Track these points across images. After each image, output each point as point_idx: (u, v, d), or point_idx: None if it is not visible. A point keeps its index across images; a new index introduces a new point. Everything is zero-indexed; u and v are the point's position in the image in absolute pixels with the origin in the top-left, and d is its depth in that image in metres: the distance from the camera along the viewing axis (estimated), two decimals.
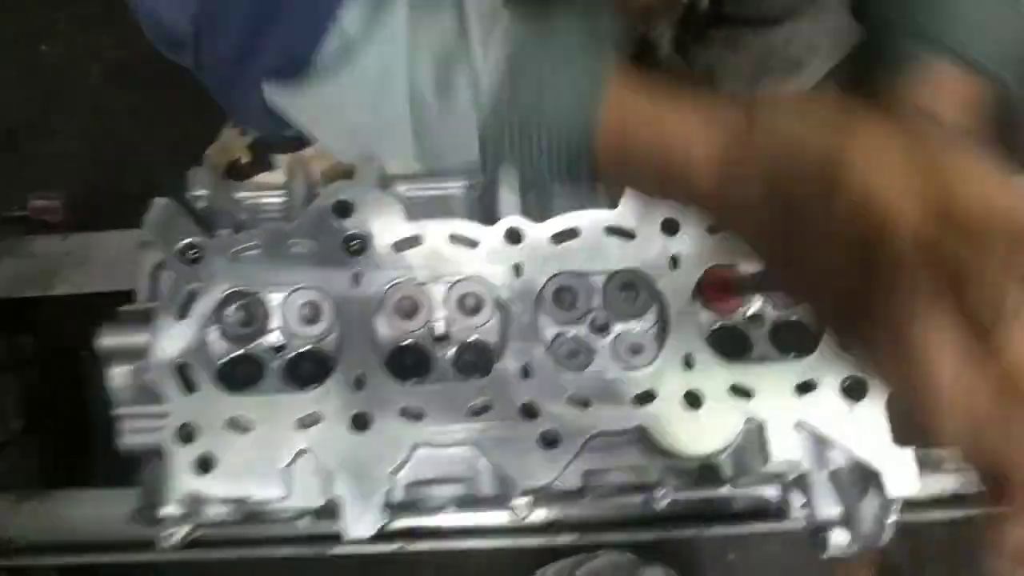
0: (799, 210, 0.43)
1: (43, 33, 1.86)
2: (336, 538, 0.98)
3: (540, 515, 1.03)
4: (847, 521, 0.89)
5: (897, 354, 0.42)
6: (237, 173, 1.01)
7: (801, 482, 0.92)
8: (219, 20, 0.52)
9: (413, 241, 0.86)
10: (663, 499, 0.97)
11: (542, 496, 0.97)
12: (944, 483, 1.09)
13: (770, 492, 1.00)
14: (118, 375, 0.84)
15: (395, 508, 0.86)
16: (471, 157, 0.56)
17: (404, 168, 0.60)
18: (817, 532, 0.93)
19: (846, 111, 0.43)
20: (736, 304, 0.88)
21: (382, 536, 0.98)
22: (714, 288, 0.87)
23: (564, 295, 0.86)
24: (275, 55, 0.53)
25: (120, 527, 0.99)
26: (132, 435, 0.85)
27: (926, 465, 1.08)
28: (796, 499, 0.98)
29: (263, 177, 1.01)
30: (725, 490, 1.01)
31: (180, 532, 0.94)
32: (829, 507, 0.90)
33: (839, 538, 0.91)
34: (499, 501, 0.94)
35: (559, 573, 1.67)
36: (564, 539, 0.99)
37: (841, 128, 0.42)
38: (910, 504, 1.06)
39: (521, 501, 0.95)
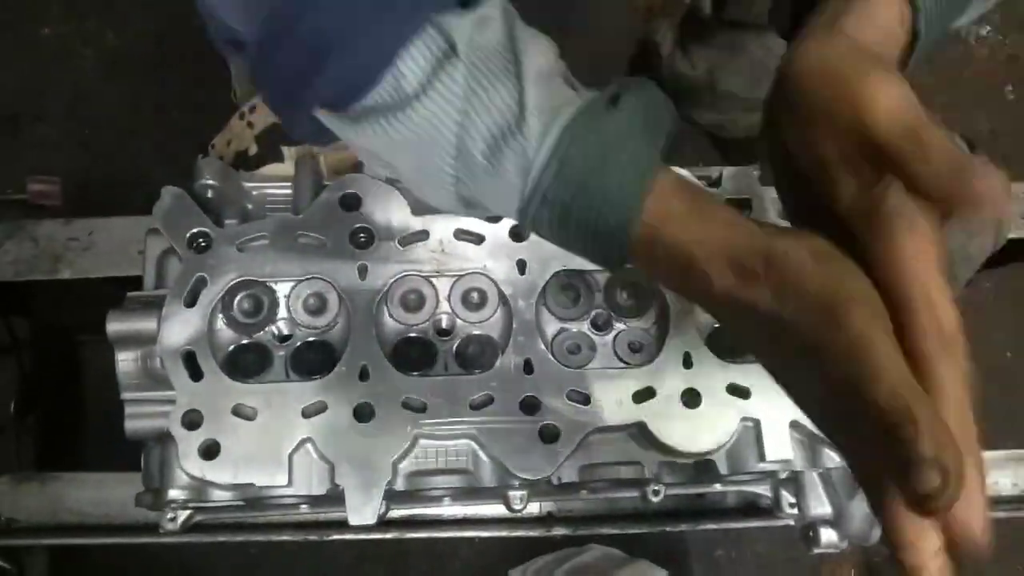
0: (793, 341, 0.46)
1: (40, 17, 1.86)
2: (333, 525, 1.00)
3: (535, 508, 1.05)
4: (837, 520, 0.92)
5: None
6: (244, 164, 1.01)
7: (793, 481, 0.94)
8: (283, 39, 0.53)
9: (419, 236, 0.88)
10: (657, 495, 0.99)
11: (537, 489, 0.99)
12: None
13: (761, 489, 1.02)
14: (125, 360, 0.85)
15: (396, 497, 0.88)
16: (510, 216, 0.57)
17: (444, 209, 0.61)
18: (807, 529, 0.95)
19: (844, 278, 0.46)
20: None
21: (380, 525, 1.00)
22: None
23: (567, 293, 0.88)
24: (330, 85, 0.53)
25: (119, 510, 1.00)
26: (137, 420, 0.86)
27: None
28: (787, 497, 1.01)
29: (271, 168, 1.01)
30: (718, 487, 1.03)
31: (181, 516, 0.95)
32: (820, 506, 0.92)
33: (829, 536, 0.93)
34: (496, 493, 0.96)
35: (547, 567, 1.69)
36: (558, 531, 1.01)
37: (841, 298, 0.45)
38: None
39: (517, 494, 0.97)
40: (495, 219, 0.88)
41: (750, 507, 1.08)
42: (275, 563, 1.69)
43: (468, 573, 1.74)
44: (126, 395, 0.86)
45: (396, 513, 1.02)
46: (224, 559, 1.71)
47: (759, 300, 0.47)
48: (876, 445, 0.41)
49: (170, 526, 0.94)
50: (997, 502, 1.10)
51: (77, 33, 1.86)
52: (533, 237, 0.87)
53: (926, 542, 0.42)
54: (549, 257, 0.87)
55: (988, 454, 1.12)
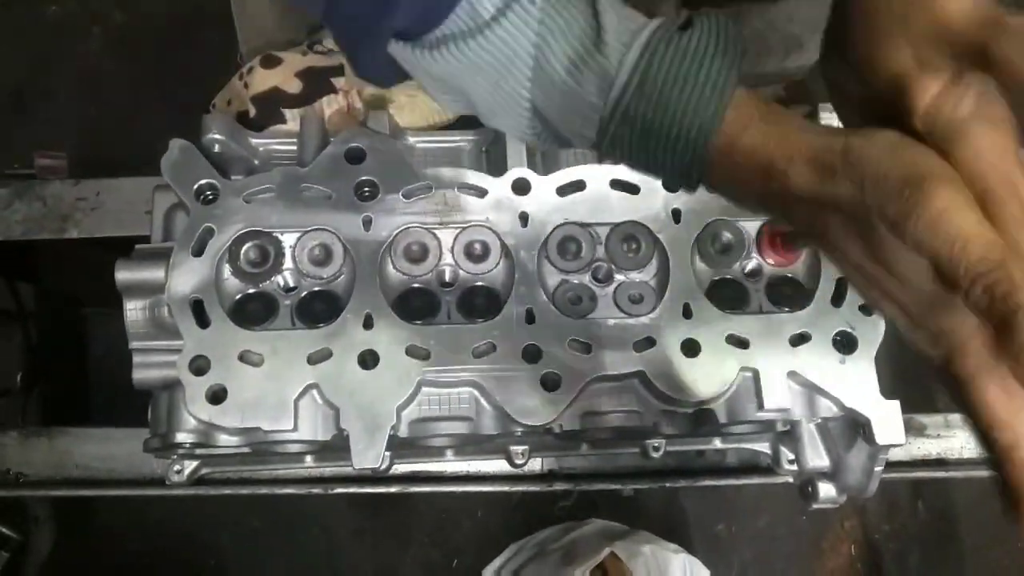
0: (877, 228, 0.48)
1: None
2: (339, 480, 1.01)
3: (537, 465, 1.06)
4: (835, 472, 0.93)
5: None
6: (245, 125, 1.02)
7: (791, 435, 0.95)
8: None
9: (423, 189, 0.89)
10: (658, 450, 1.00)
11: (539, 443, 1.00)
12: (927, 447, 1.12)
13: (760, 447, 1.03)
14: (133, 310, 0.86)
15: (400, 445, 0.89)
16: (583, 143, 0.58)
17: (517, 137, 0.62)
18: (806, 484, 0.96)
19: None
20: (795, 257, 0.91)
21: (384, 479, 1.01)
22: (772, 242, 0.90)
23: (568, 245, 0.89)
24: (405, 16, 0.55)
25: (126, 465, 1.01)
26: (145, 370, 0.87)
27: (910, 430, 1.13)
28: (786, 455, 1.02)
29: (275, 129, 1.03)
30: (718, 442, 1.04)
31: (188, 468, 0.97)
32: (817, 458, 0.93)
33: (827, 490, 0.95)
34: (499, 448, 0.98)
35: (548, 539, 1.70)
36: (559, 487, 1.02)
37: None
38: (896, 464, 1.11)
39: (519, 448, 0.98)
40: (498, 172, 0.90)
41: (750, 467, 1.09)
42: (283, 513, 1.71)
43: (470, 545, 1.76)
44: (134, 344, 0.87)
45: (400, 469, 1.03)
46: (228, 531, 1.73)
47: (840, 193, 0.48)
48: (966, 326, 0.44)
49: (176, 478, 0.96)
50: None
51: (84, 11, 1.88)
52: (535, 191, 0.88)
53: (1019, 418, 0.45)
54: (551, 210, 0.89)
55: None
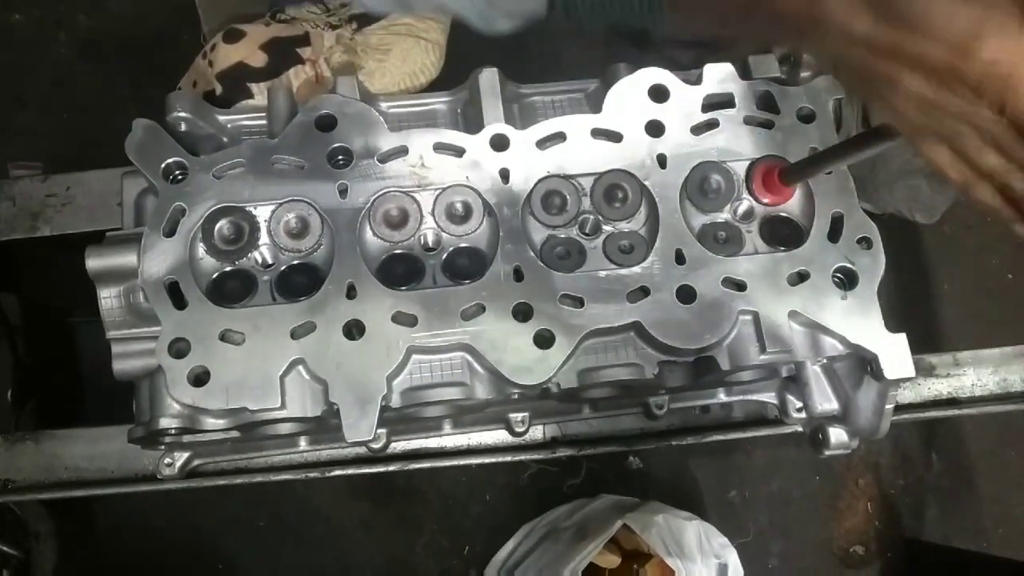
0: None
1: (9, 3, 1.84)
2: (336, 463, 0.99)
3: (538, 434, 1.03)
4: (845, 415, 0.90)
5: None
6: (214, 104, 0.99)
7: (797, 380, 0.92)
8: None
9: (398, 152, 0.86)
10: (661, 408, 0.98)
11: (538, 409, 0.97)
12: (938, 387, 1.10)
13: (767, 397, 1.00)
14: (108, 297, 0.83)
15: (396, 421, 0.86)
16: None
17: (454, 7, 0.58)
18: (816, 432, 0.93)
19: None
20: (789, 194, 0.88)
21: (383, 458, 0.98)
22: (764, 180, 0.87)
23: (552, 198, 0.86)
24: None
25: (117, 463, 0.99)
26: (125, 360, 0.85)
27: (919, 371, 1.10)
28: (793, 403, 0.99)
29: (243, 104, 1.00)
30: (722, 396, 1.02)
31: (179, 460, 0.94)
32: (826, 401, 0.90)
33: (838, 435, 0.92)
34: (498, 417, 0.95)
35: (559, 517, 1.68)
36: (562, 452, 0.99)
37: None
38: (906, 407, 1.08)
39: (518, 416, 0.96)
40: (474, 130, 0.87)
41: (757, 420, 1.06)
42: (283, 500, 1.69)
43: (481, 530, 1.73)
44: (112, 333, 0.84)
45: (399, 447, 1.00)
46: (234, 532, 1.70)
47: None
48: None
49: (167, 471, 0.94)
50: (1008, 398, 1.09)
51: (49, 18, 1.85)
52: (514, 146, 0.86)
53: None
54: (532, 164, 0.86)
55: (998, 349, 1.11)
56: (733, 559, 1.54)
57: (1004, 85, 0.45)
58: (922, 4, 0.45)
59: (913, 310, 1.80)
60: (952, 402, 1.09)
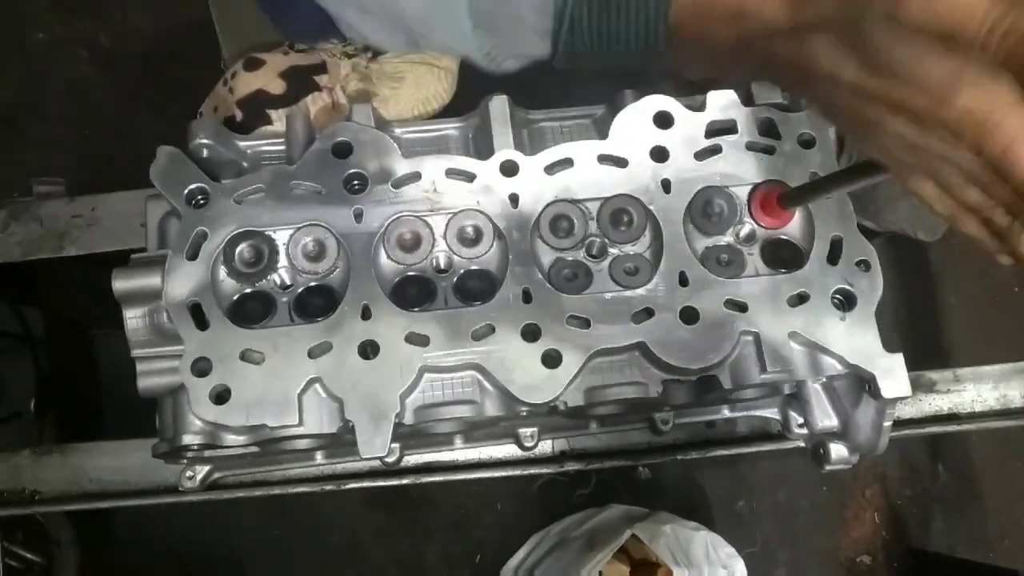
0: (871, 26, 0.48)
1: (32, 23, 1.89)
2: (351, 476, 1.02)
3: (547, 448, 1.06)
4: (845, 431, 0.92)
5: None
6: (233, 130, 1.03)
7: (798, 397, 0.95)
8: None
9: (412, 178, 0.89)
10: (667, 424, 1.00)
11: (547, 424, 1.00)
12: (938, 403, 1.12)
13: (770, 412, 1.03)
14: (133, 318, 0.87)
15: (409, 436, 0.89)
16: (535, 40, 0.57)
17: (460, 50, 0.60)
18: (817, 447, 0.96)
19: None
20: (789, 218, 0.90)
21: (396, 471, 1.01)
22: (765, 204, 0.90)
23: (560, 222, 0.89)
24: None
25: (139, 475, 1.02)
26: (149, 377, 0.88)
27: (919, 387, 1.13)
28: (795, 419, 1.02)
29: (262, 131, 1.03)
30: (726, 411, 1.04)
31: (200, 473, 0.97)
32: (826, 418, 0.93)
33: (839, 451, 0.94)
34: (507, 432, 0.98)
35: (569, 527, 1.70)
36: (571, 467, 1.02)
37: None
38: (907, 422, 1.10)
39: (528, 431, 0.98)
40: (485, 155, 0.90)
41: (761, 435, 1.09)
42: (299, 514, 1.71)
43: (492, 539, 1.76)
44: (136, 352, 0.88)
45: (411, 461, 1.03)
46: (251, 541, 1.73)
47: (822, 9, 0.49)
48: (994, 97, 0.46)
49: (189, 484, 0.97)
50: (1008, 413, 1.11)
51: (70, 36, 1.89)
52: (524, 172, 0.89)
53: None
54: (541, 189, 0.89)
55: (998, 366, 1.13)
56: (740, 569, 1.57)
57: (980, 131, 0.47)
58: (903, 56, 0.48)
59: (919, 322, 1.82)
60: (952, 417, 1.11)
